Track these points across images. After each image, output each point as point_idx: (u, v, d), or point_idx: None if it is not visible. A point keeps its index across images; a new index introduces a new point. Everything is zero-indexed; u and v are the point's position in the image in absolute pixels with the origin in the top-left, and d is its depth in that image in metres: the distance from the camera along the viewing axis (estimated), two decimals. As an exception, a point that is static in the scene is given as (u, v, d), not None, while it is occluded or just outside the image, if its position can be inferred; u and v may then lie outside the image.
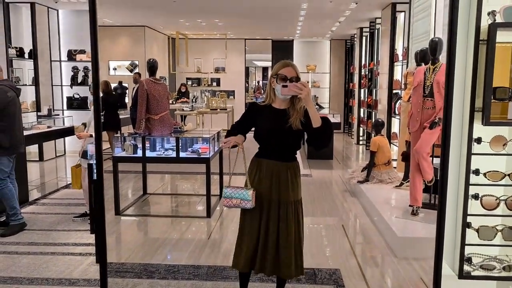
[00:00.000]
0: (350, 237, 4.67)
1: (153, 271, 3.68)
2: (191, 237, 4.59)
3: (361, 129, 11.65)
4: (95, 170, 4.16)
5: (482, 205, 1.84)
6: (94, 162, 4.22)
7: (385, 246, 4.36)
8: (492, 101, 1.75)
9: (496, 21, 1.81)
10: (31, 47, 8.63)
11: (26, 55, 8.56)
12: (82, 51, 9.12)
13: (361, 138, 11.63)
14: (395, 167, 6.56)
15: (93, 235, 4.15)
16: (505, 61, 1.85)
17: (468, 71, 1.75)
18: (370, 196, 5.55)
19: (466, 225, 1.81)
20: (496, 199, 1.86)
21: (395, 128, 8.21)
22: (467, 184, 1.83)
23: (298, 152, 2.88)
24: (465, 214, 1.81)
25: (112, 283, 3.44)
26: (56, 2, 8.77)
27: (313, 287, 3.44)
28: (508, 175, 1.88)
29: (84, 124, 5.29)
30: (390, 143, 7.52)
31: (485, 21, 1.80)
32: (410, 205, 4.72)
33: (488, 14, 1.79)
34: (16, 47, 8.16)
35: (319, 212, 5.56)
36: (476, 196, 1.86)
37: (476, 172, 1.84)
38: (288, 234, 2.72)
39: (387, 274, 3.83)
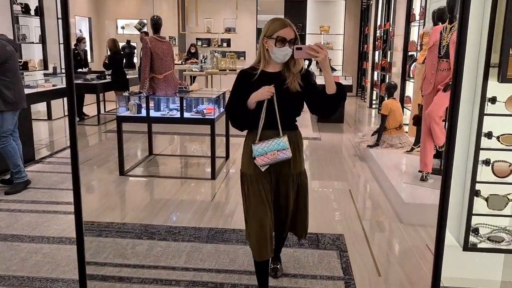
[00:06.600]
0: (356, 202, 4.57)
1: (154, 232, 3.65)
2: (195, 199, 4.54)
3: (374, 92, 11.36)
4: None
5: (493, 171, 1.68)
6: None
7: (392, 212, 4.26)
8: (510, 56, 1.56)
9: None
10: (37, 4, 8.45)
11: (32, 12, 8.39)
12: (89, 8, 8.91)
13: (374, 102, 11.35)
14: (406, 132, 6.39)
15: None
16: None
17: (485, 24, 1.54)
18: (379, 160, 5.41)
19: (474, 193, 1.66)
20: (509, 166, 1.69)
21: (409, 91, 7.96)
22: (478, 148, 1.66)
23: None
24: (473, 181, 1.65)
25: (113, 243, 3.42)
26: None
27: (315, 251, 3.37)
28: (525, 139, 1.72)
29: None
30: (403, 107, 7.30)
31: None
32: (419, 171, 4.58)
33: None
34: (21, 3, 7.98)
35: (326, 176, 5.46)
36: (487, 162, 1.69)
37: (489, 135, 1.66)
38: (287, 208, 2.56)
39: (391, 240, 3.75)
